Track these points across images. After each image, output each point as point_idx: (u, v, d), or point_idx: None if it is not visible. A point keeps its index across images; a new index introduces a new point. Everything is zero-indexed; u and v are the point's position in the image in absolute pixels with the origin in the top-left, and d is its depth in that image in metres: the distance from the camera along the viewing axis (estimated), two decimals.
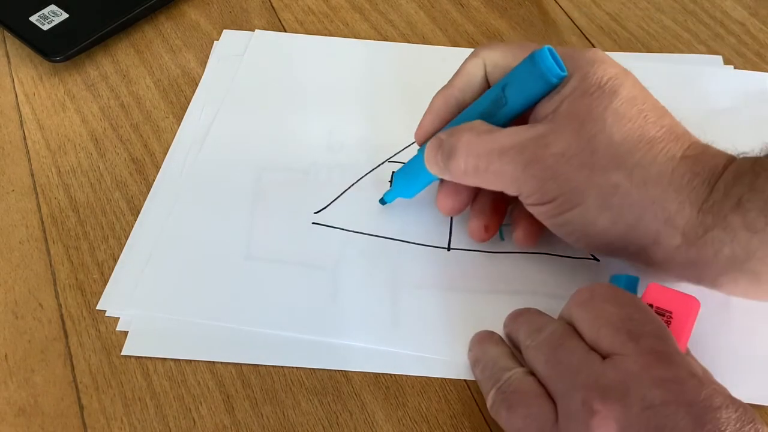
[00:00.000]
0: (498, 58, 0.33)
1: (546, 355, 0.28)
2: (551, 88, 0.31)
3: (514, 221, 0.36)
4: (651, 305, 0.29)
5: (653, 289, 0.29)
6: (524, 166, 0.31)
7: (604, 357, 0.27)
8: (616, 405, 0.25)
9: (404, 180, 0.38)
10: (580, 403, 0.25)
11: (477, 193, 0.36)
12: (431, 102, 0.36)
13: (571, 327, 0.29)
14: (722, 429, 0.24)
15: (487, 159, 0.31)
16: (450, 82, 0.35)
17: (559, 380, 0.27)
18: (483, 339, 0.33)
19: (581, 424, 0.25)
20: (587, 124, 0.30)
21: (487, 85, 0.34)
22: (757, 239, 0.28)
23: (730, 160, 0.30)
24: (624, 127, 0.30)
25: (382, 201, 0.39)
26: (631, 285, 0.30)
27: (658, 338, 0.26)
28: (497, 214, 0.36)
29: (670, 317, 0.29)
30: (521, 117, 0.33)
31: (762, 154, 0.30)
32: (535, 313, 0.33)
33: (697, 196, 0.29)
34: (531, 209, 0.32)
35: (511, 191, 0.32)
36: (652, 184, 0.29)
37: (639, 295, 0.30)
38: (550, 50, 0.30)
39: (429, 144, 0.34)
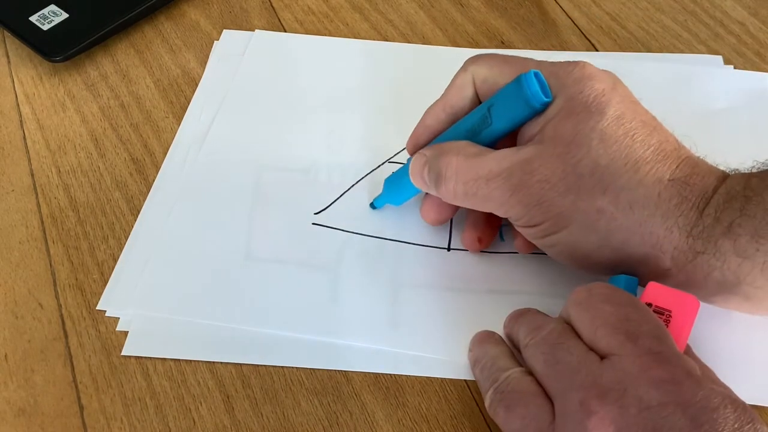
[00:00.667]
0: (485, 73, 0.33)
1: (545, 354, 0.28)
2: (535, 113, 0.31)
3: (514, 230, 0.36)
4: (650, 304, 0.29)
5: (652, 288, 0.29)
6: (511, 192, 0.31)
7: (602, 357, 0.27)
8: (613, 406, 0.25)
9: (394, 187, 0.38)
10: (578, 404, 0.25)
11: None
12: (424, 113, 0.36)
13: (569, 326, 0.29)
14: (719, 429, 0.24)
15: (475, 185, 0.32)
16: (442, 94, 0.35)
17: (557, 380, 0.27)
18: (483, 339, 0.33)
19: (578, 425, 0.25)
20: (572, 148, 0.30)
21: (476, 98, 0.34)
22: (747, 264, 0.28)
23: (721, 179, 0.30)
24: (610, 149, 0.29)
25: (372, 205, 0.39)
26: (631, 286, 0.30)
27: (656, 338, 0.26)
28: (490, 226, 0.37)
29: (669, 316, 0.29)
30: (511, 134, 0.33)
31: (754, 170, 0.30)
32: (535, 313, 0.33)
33: (685, 221, 0.29)
34: (520, 230, 0.33)
35: (499, 214, 0.32)
36: (638, 208, 0.29)
37: (638, 295, 0.30)
38: (536, 74, 0.30)
39: (413, 159, 0.35)
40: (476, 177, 0.31)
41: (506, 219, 0.37)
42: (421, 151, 0.34)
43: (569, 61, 0.32)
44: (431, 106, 0.36)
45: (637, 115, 0.30)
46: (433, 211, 0.37)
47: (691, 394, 0.24)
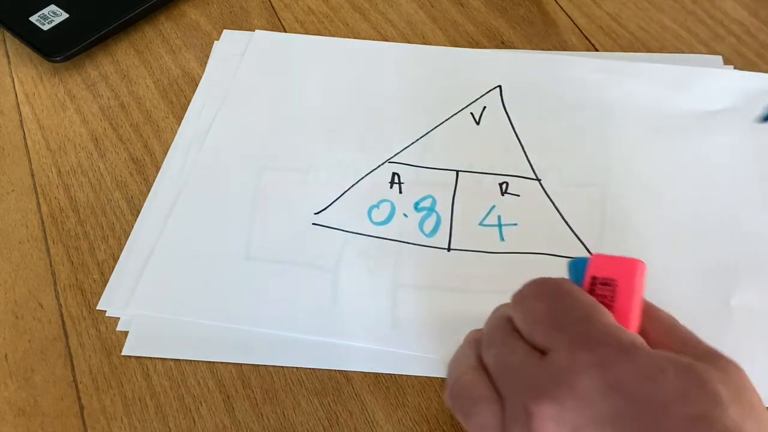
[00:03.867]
0: None
1: (495, 357, 0.28)
2: None
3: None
4: (595, 278, 0.28)
5: (596, 260, 0.28)
6: None
7: (543, 354, 0.26)
8: (549, 404, 0.24)
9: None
10: (522, 407, 0.25)
11: None
12: None
13: (513, 326, 0.28)
14: (660, 398, 0.23)
15: None
16: None
17: (505, 382, 0.27)
18: (470, 339, 0.32)
19: (522, 427, 0.25)
20: None
21: None
22: None
23: None
24: None
25: None
26: (579, 267, 0.29)
27: (583, 320, 0.26)
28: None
29: (616, 285, 0.27)
30: None
31: None
32: (495, 312, 0.31)
33: None
34: None
35: None
36: None
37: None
38: None
39: None
40: None
41: (507, 220, 0.37)
42: None
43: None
44: None
45: None
46: None
47: (622, 370, 0.24)
